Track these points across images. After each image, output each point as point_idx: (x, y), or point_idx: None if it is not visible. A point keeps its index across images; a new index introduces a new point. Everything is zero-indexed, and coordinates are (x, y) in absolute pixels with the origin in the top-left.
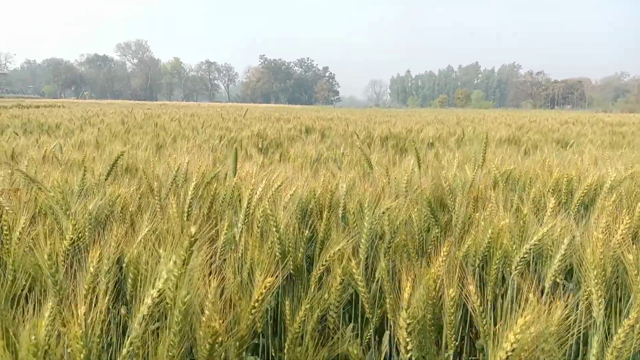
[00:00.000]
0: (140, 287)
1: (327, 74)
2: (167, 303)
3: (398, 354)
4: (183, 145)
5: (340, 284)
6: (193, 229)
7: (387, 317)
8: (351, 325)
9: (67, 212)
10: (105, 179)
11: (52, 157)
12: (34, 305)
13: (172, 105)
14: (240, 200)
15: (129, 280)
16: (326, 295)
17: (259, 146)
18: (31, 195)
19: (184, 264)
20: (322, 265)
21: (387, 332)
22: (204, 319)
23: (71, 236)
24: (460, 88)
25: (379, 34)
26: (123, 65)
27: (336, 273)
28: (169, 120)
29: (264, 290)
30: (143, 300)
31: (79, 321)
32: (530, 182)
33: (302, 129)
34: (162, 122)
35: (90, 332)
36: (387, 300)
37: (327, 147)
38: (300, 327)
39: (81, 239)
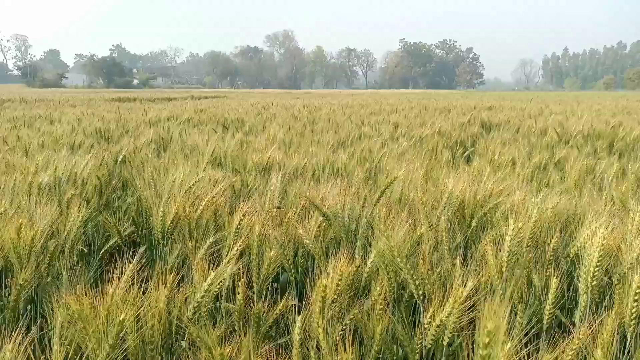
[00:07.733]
0: None
1: (470, 55)
2: None
3: None
4: (370, 147)
5: None
6: None
7: None
8: None
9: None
10: (375, 204)
11: (273, 163)
12: None
13: (316, 93)
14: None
15: None
16: None
17: (449, 147)
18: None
19: None
20: None
21: None
22: None
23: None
24: (632, 67)
25: (531, 8)
26: (271, 56)
27: None
28: (330, 112)
29: None
30: None
31: None
32: None
33: (475, 123)
34: (329, 116)
35: None
36: None
37: (527, 153)
38: None
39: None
